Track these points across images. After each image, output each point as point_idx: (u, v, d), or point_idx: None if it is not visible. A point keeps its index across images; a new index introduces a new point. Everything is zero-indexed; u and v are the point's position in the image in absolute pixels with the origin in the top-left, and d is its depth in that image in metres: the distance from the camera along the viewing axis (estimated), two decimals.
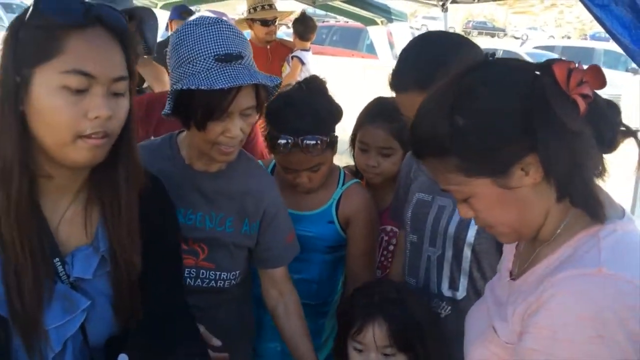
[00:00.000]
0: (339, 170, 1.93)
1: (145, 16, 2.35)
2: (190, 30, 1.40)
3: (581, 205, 0.98)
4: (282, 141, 1.68)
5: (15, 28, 0.98)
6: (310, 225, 1.83)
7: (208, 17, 1.45)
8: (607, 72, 0.98)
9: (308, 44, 4.70)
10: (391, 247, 2.05)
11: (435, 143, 0.97)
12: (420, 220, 1.61)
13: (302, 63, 4.53)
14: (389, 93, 2.07)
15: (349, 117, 1.99)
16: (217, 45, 1.37)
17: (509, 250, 1.21)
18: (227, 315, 1.66)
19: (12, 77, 0.96)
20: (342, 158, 2.16)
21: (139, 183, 1.14)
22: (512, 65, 1.01)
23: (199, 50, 1.37)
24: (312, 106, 1.72)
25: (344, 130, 1.90)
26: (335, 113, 1.79)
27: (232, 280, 1.63)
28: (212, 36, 1.38)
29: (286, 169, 1.78)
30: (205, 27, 1.39)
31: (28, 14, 0.98)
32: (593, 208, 0.97)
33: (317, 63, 4.84)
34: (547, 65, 0.94)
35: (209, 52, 1.37)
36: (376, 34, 6.51)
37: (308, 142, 1.67)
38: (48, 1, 0.97)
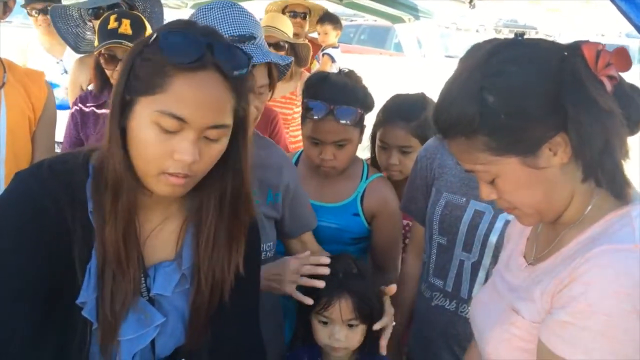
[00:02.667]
0: (362, 163, 1.96)
1: (151, 4, 2.42)
2: (204, 14, 1.45)
3: (608, 185, 0.98)
4: (317, 106, 1.74)
5: (135, 52, 1.00)
6: (335, 217, 1.87)
7: (220, 1, 1.48)
8: None
9: (337, 41, 4.72)
10: (407, 241, 2.07)
11: (465, 122, 0.97)
12: (451, 224, 1.61)
13: (333, 60, 4.55)
14: (416, 90, 2.10)
15: (375, 114, 2.03)
16: (231, 27, 1.43)
17: (518, 236, 1.21)
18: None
19: (122, 96, 0.99)
20: (364, 154, 2.19)
21: (245, 219, 1.14)
22: (542, 44, 1.00)
23: None
24: (348, 84, 1.80)
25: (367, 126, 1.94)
26: (369, 99, 1.83)
27: (267, 252, 1.69)
28: (225, 19, 1.43)
29: (314, 141, 1.81)
30: (219, 9, 1.44)
31: (148, 43, 0.99)
32: (620, 188, 0.97)
33: (345, 61, 4.86)
34: (577, 46, 0.95)
35: (223, 33, 1.41)
36: (403, 32, 6.49)
37: (341, 110, 1.72)
38: (168, 37, 0.97)
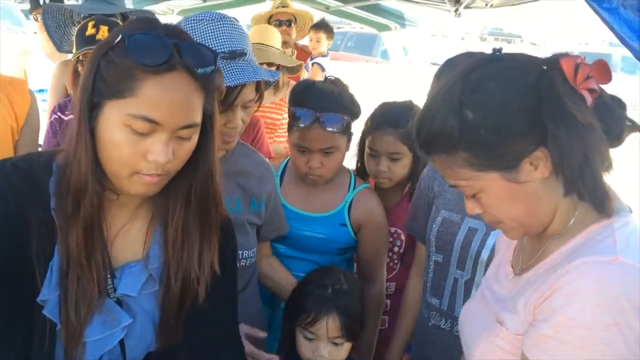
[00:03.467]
0: (349, 173, 1.96)
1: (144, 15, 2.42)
2: (192, 25, 1.42)
3: (589, 198, 0.98)
4: (303, 114, 1.74)
5: (99, 54, 0.98)
6: (322, 228, 1.86)
7: (210, 12, 1.46)
8: (624, 77, 0.99)
9: (326, 50, 4.73)
10: (395, 249, 2.08)
11: (445, 138, 0.97)
12: (447, 241, 1.61)
13: (323, 70, 4.56)
14: (402, 97, 2.11)
15: (362, 122, 2.03)
16: (221, 42, 1.40)
17: (506, 247, 1.21)
18: (250, 296, 1.72)
19: (90, 98, 0.97)
20: (353, 161, 2.19)
21: (215, 218, 1.13)
22: (520, 59, 1.00)
23: None
24: (335, 91, 1.80)
25: (356, 135, 1.94)
26: (356, 106, 1.83)
27: (251, 258, 1.70)
28: (215, 33, 1.41)
29: (300, 150, 1.81)
30: (209, 22, 1.42)
31: (113, 45, 0.97)
32: (601, 202, 0.97)
33: (332, 68, 4.88)
34: (555, 60, 0.95)
35: (213, 49, 1.40)
36: (390, 39, 6.53)
37: (328, 117, 1.73)
38: (135, 39, 0.95)
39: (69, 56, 2.82)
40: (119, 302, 1.09)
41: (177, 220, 1.10)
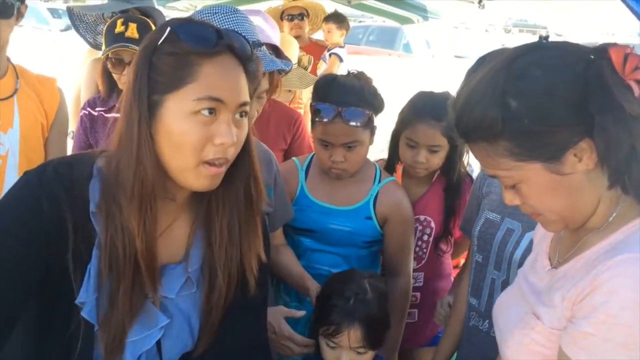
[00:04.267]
0: (375, 166, 1.96)
1: (156, 16, 2.44)
2: (208, 17, 1.44)
3: (634, 192, 0.96)
4: (325, 109, 1.75)
5: (149, 51, 1.00)
6: (347, 221, 1.87)
7: (223, 6, 1.49)
8: None
9: (342, 41, 4.71)
10: (425, 237, 2.07)
11: (486, 127, 0.95)
12: (487, 241, 1.60)
13: (341, 60, 4.53)
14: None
15: (386, 115, 2.02)
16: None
17: (542, 238, 1.19)
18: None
19: (145, 101, 0.99)
20: (382, 155, 2.18)
21: (260, 204, 1.15)
22: (566, 47, 0.97)
23: None
24: (356, 85, 1.79)
25: (381, 128, 1.93)
26: (378, 100, 1.83)
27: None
28: (231, 25, 1.43)
29: (324, 144, 1.81)
30: (224, 15, 1.45)
31: (162, 39, 1.00)
32: None
33: (353, 62, 4.86)
34: (604, 49, 0.93)
35: None
36: (412, 33, 6.48)
37: (350, 112, 1.73)
38: (185, 28, 1.00)
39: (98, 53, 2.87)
40: (155, 302, 1.10)
41: (221, 218, 1.11)
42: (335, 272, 1.78)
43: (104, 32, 2.28)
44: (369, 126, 1.81)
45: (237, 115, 1.03)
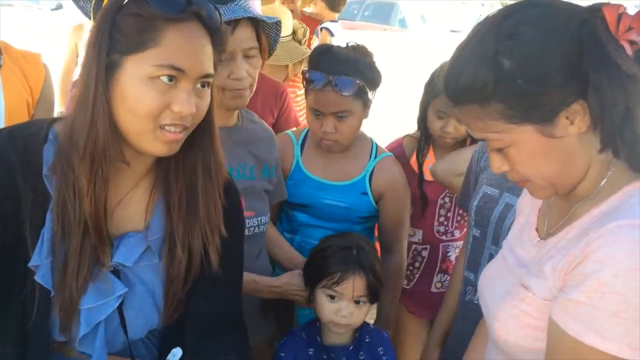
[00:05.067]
0: (371, 142, 1.94)
1: None
2: None
3: (626, 156, 0.94)
4: (316, 76, 1.74)
5: (113, 10, 0.97)
6: (343, 196, 1.85)
7: None
8: None
9: (336, 15, 4.64)
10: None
11: (478, 88, 0.92)
12: (484, 216, 1.58)
13: (332, 35, 4.46)
14: (423, 67, 2.07)
15: (385, 90, 2.00)
16: None
17: (530, 209, 1.17)
18: (264, 261, 1.78)
19: (104, 60, 0.96)
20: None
21: (219, 177, 1.12)
22: (558, 5, 0.94)
23: None
24: (351, 56, 1.78)
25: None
26: (375, 73, 1.80)
27: (263, 226, 1.72)
28: None
29: (315, 113, 1.79)
30: None
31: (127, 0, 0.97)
32: (639, 160, 0.93)
33: (349, 38, 4.80)
34: (597, 8, 0.90)
35: None
36: (407, 7, 6.41)
37: (340, 80, 1.71)
38: None
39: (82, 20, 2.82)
40: (115, 272, 1.09)
41: (180, 186, 1.09)
42: None
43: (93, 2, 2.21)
44: (361, 97, 1.78)
45: (199, 85, 1.01)
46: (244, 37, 1.45)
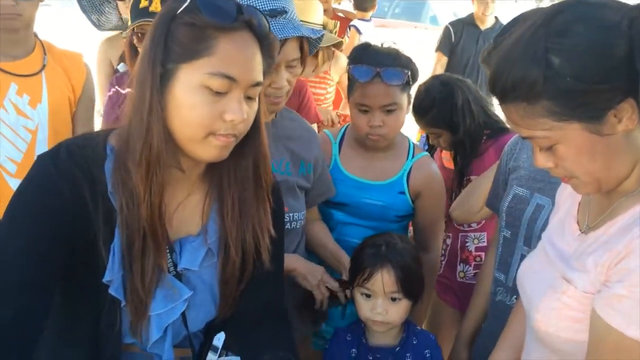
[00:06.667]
0: (408, 141, 1.94)
1: None
2: None
3: None
4: (362, 69, 1.72)
5: (167, 19, 0.98)
6: (381, 195, 1.85)
7: None
8: None
9: (368, 14, 4.64)
10: None
11: (527, 86, 0.91)
12: (516, 217, 1.58)
13: (359, 32, 4.46)
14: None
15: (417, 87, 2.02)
16: (262, 1, 1.43)
17: (571, 202, 1.16)
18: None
19: (158, 69, 0.97)
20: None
21: (267, 181, 1.14)
22: (609, 3, 0.93)
23: None
24: (392, 50, 1.80)
25: None
26: (414, 66, 1.80)
27: (301, 221, 1.73)
28: None
29: (362, 109, 1.77)
30: None
31: (182, 8, 0.98)
32: None
33: (378, 35, 4.79)
34: None
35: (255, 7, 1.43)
36: (439, 4, 6.36)
37: (388, 72, 1.71)
38: (207, 1, 0.98)
39: (110, 33, 2.87)
40: (177, 275, 1.11)
41: (233, 192, 1.11)
42: None
43: (120, 8, 2.26)
44: (407, 90, 1.78)
45: (249, 93, 1.02)
46: (289, 50, 1.47)
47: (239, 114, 0.99)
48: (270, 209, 1.17)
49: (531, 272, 1.18)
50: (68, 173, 0.99)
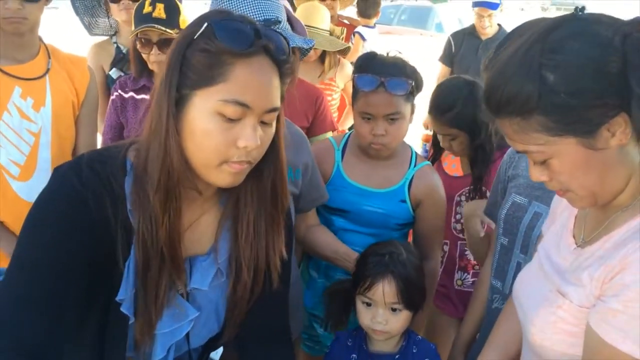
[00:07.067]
0: (410, 150, 1.95)
1: None
2: None
3: None
4: (367, 79, 1.74)
5: (183, 45, 0.98)
6: (382, 203, 1.85)
7: None
8: None
9: (372, 21, 4.64)
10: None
11: (522, 101, 0.92)
12: (513, 225, 1.58)
13: (363, 39, 4.46)
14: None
15: (422, 94, 2.01)
16: (256, 11, 1.43)
17: (568, 216, 1.16)
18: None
19: (173, 94, 0.97)
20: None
21: (284, 202, 1.14)
22: (602, 19, 0.94)
23: None
24: (398, 59, 1.80)
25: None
26: (419, 77, 1.81)
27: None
28: (250, 2, 1.43)
29: (365, 117, 1.79)
30: None
31: (198, 33, 0.97)
32: None
33: (383, 42, 4.79)
34: (638, 22, 0.91)
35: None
36: (444, 12, 6.36)
37: (392, 82, 1.72)
38: (222, 25, 0.97)
39: (100, 38, 2.88)
40: (185, 294, 1.11)
41: (248, 214, 1.10)
42: None
43: (111, 12, 2.26)
44: (410, 100, 1.79)
45: (265, 120, 1.01)
46: None
47: (252, 140, 0.98)
48: (284, 229, 1.16)
49: (527, 284, 1.18)
50: (92, 187, 0.99)
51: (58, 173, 1.01)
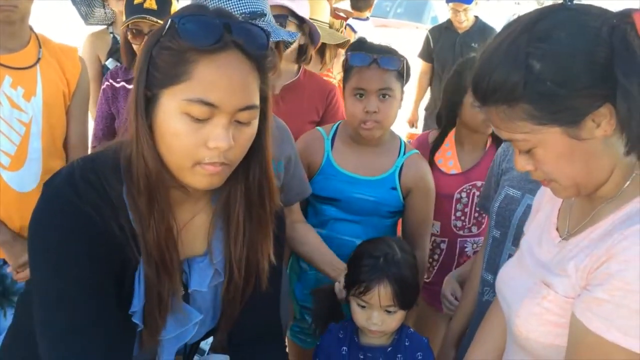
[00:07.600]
0: (399, 139, 1.96)
1: None
2: None
3: None
4: (361, 56, 1.77)
5: (151, 44, 0.96)
6: (372, 191, 1.86)
7: None
8: None
9: (364, 14, 4.62)
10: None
11: (508, 89, 0.92)
12: (506, 217, 1.58)
13: (354, 31, 4.43)
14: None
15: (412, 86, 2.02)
16: (240, 4, 1.43)
17: (550, 207, 1.17)
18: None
19: (144, 92, 0.95)
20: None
21: (271, 204, 1.11)
22: (591, 10, 0.94)
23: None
24: (388, 45, 1.84)
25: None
26: (407, 66, 1.83)
27: None
28: None
29: (358, 94, 1.79)
30: None
31: (164, 32, 0.95)
32: None
33: (379, 35, 4.77)
34: (627, 14, 0.91)
35: (234, 12, 1.41)
36: (440, 5, 6.35)
37: (385, 59, 1.76)
38: (185, 21, 0.93)
39: (96, 28, 2.87)
40: (185, 295, 1.10)
41: (238, 214, 1.08)
42: (358, 241, 1.78)
43: (107, 2, 2.24)
44: (401, 80, 1.81)
45: (240, 119, 0.96)
46: None
47: (223, 141, 0.93)
48: (273, 233, 1.14)
49: (509, 278, 1.18)
50: (91, 200, 0.95)
51: (52, 189, 0.98)
